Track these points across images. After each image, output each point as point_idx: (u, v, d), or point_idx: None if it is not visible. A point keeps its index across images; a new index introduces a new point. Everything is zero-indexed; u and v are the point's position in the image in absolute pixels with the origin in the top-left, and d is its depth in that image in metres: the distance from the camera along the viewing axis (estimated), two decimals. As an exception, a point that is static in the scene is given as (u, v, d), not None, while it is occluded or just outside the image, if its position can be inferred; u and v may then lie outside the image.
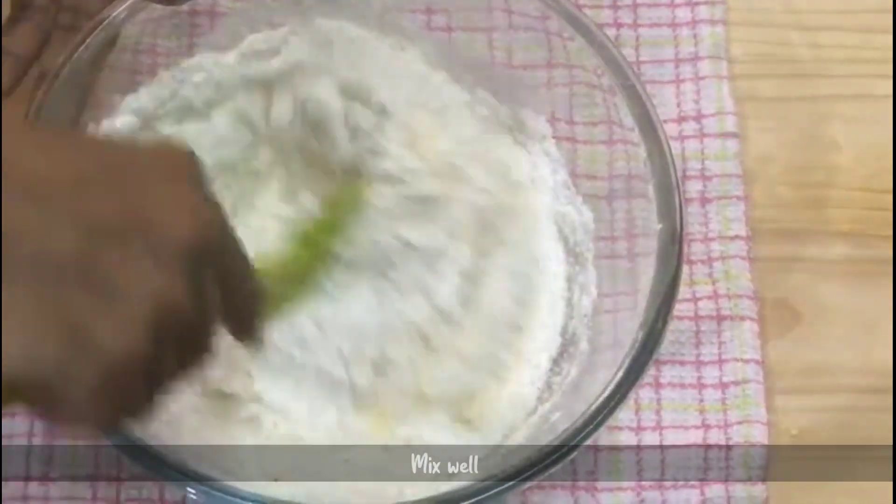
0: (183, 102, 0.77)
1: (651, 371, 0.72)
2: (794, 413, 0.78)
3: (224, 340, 0.62)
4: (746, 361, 0.78)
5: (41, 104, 0.72)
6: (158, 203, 0.54)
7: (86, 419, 0.54)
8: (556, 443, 0.67)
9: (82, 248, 0.52)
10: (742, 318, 0.79)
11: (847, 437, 0.77)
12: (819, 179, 0.83)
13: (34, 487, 0.75)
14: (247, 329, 0.60)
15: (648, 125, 0.73)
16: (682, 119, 0.83)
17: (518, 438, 0.73)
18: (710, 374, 0.78)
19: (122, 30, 0.74)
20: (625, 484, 0.75)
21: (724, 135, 0.83)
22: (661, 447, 0.76)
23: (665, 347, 0.71)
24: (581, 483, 0.76)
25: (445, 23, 0.82)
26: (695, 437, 0.76)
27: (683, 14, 0.86)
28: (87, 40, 0.73)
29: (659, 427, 0.77)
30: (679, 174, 0.73)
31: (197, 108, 0.77)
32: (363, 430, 0.73)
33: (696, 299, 0.79)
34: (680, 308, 0.73)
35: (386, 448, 0.73)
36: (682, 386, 0.78)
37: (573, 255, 0.78)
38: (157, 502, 0.75)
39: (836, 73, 0.85)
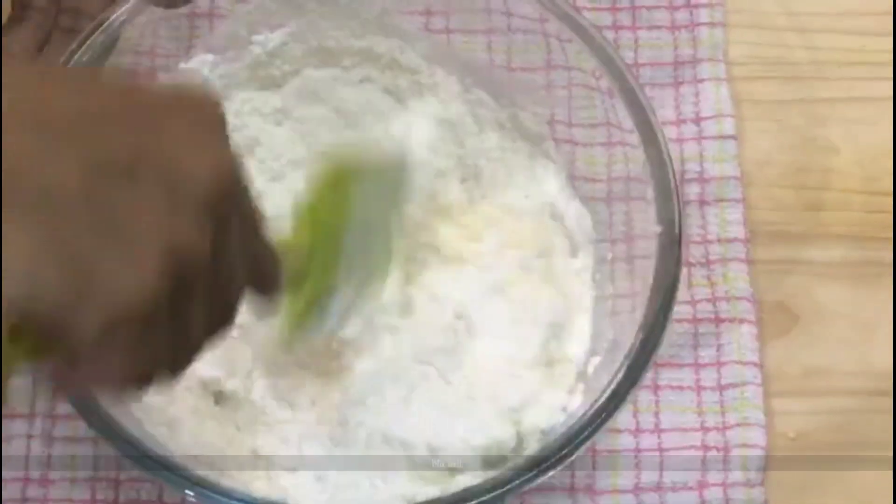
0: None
1: (649, 373, 0.72)
2: (792, 416, 0.78)
3: (224, 340, 0.63)
4: (745, 364, 0.78)
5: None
6: (178, 144, 0.52)
7: (104, 376, 0.51)
8: (554, 445, 0.67)
9: (90, 184, 0.49)
10: (740, 321, 0.79)
11: (845, 439, 0.77)
12: (817, 182, 0.83)
13: (33, 489, 0.75)
14: (269, 282, 0.58)
15: (647, 128, 0.73)
16: (680, 121, 0.83)
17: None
18: (709, 376, 0.78)
19: (122, 32, 0.74)
20: (623, 486, 0.75)
21: (723, 137, 0.83)
22: (660, 450, 0.76)
23: (663, 350, 0.71)
24: (580, 485, 0.76)
25: (444, 25, 0.82)
26: (693, 439, 0.76)
27: (682, 16, 0.86)
28: (88, 42, 0.73)
29: (657, 430, 0.77)
30: (678, 177, 0.73)
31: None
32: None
33: (694, 302, 0.79)
34: (678, 310, 0.73)
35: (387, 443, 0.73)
36: (681, 388, 0.78)
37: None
38: (155, 503, 0.75)
39: (835, 76, 0.85)
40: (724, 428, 0.77)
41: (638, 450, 0.76)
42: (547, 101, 0.79)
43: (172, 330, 0.52)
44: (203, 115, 0.54)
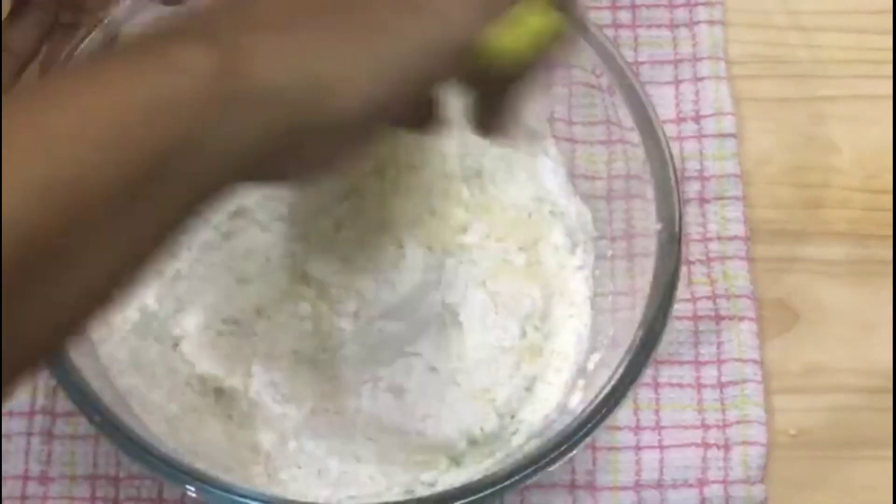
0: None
1: (650, 371, 0.72)
2: (792, 413, 0.78)
3: (225, 341, 0.63)
4: (745, 361, 0.78)
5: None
6: None
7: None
8: (554, 441, 0.68)
9: None
10: (740, 318, 0.79)
11: (845, 436, 0.77)
12: (817, 180, 0.83)
13: (33, 486, 0.75)
14: None
15: (647, 125, 0.73)
16: (680, 119, 0.83)
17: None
18: (709, 373, 0.78)
19: (122, 28, 0.74)
20: (624, 483, 0.75)
21: (723, 135, 0.83)
22: (660, 447, 0.76)
23: (663, 347, 0.71)
24: (580, 482, 0.76)
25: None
26: (693, 437, 0.76)
27: (682, 15, 0.86)
28: (87, 38, 0.73)
29: (658, 427, 0.77)
30: (678, 174, 0.73)
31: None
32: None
33: (694, 299, 0.79)
34: (678, 308, 0.73)
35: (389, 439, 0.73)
36: (681, 386, 0.78)
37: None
38: (155, 501, 0.75)
39: (835, 74, 0.85)
40: (724, 425, 0.77)
41: (638, 447, 0.76)
42: (547, 98, 0.79)
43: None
44: None
